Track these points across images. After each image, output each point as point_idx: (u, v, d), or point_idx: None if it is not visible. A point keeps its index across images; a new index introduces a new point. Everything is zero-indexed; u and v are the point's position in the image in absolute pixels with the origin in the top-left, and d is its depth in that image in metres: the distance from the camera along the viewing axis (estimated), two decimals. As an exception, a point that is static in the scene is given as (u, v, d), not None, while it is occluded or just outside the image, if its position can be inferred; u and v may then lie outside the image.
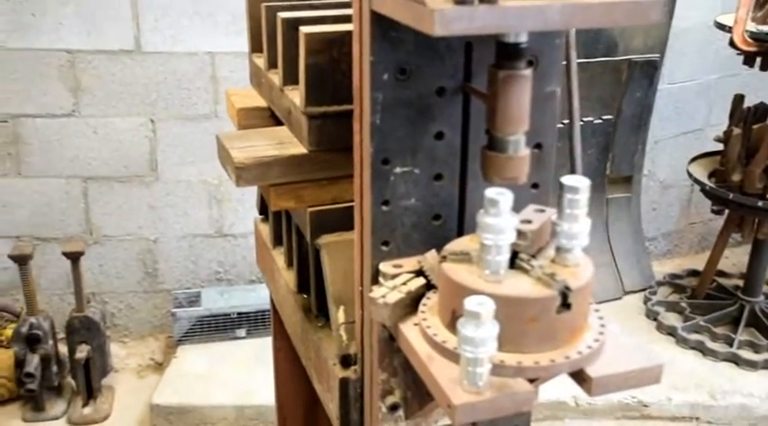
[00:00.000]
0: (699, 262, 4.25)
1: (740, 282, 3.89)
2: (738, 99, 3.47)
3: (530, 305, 0.97)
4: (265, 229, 1.82)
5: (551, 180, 1.24)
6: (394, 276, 1.14)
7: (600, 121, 3.73)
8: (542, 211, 1.09)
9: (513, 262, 1.02)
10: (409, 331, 1.08)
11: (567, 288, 0.98)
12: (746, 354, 3.41)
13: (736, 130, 3.29)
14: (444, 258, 1.06)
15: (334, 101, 1.27)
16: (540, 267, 1.01)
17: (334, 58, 1.24)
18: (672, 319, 3.67)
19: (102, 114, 3.13)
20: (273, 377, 2.14)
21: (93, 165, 3.21)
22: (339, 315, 1.35)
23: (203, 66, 3.09)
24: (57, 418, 3.13)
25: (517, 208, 1.07)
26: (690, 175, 3.53)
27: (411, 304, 1.11)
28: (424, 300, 1.11)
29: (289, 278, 1.62)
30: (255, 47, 1.61)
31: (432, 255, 1.15)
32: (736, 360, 3.38)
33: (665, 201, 4.26)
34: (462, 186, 1.19)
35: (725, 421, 3.16)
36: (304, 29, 1.24)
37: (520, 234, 1.01)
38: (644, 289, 3.92)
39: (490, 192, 0.96)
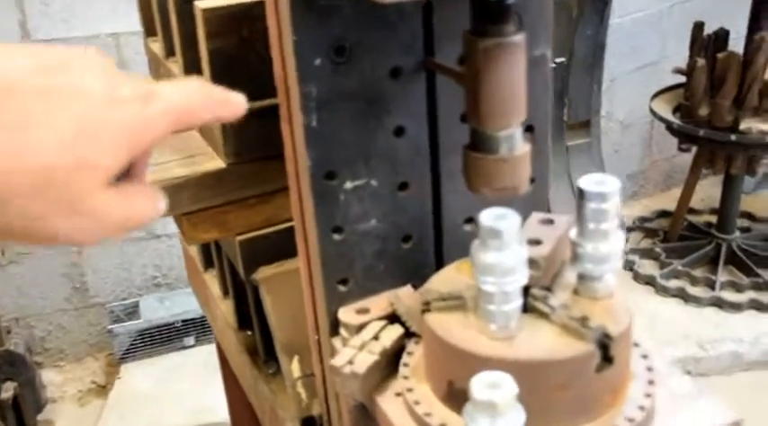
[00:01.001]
0: (666, 202, 4.06)
1: (712, 218, 3.70)
2: (698, 27, 3.23)
3: (559, 369, 0.69)
4: (191, 247, 1.51)
5: (549, 170, 0.96)
6: (360, 327, 0.85)
7: (553, 65, 3.45)
8: (550, 222, 0.80)
9: (524, 302, 0.73)
10: (390, 406, 0.79)
11: (607, 336, 0.70)
12: (729, 295, 3.24)
13: (700, 61, 3.05)
14: (427, 306, 0.76)
15: (254, 94, 0.95)
16: (562, 307, 0.73)
17: (246, 39, 0.93)
18: (648, 267, 3.47)
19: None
20: (227, 405, 1.84)
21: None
22: (293, 368, 1.05)
23: (107, 49, 2.71)
24: (-10, 466, 2.80)
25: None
26: (654, 114, 3.30)
27: (388, 365, 0.82)
28: (404, 356, 0.82)
29: (226, 310, 1.31)
30: (150, 29, 1.27)
31: (406, 293, 0.86)
32: (719, 304, 3.21)
33: (626, 142, 4.03)
34: (436, 193, 0.89)
35: (717, 371, 2.99)
36: (200, 3, 0.92)
37: (529, 261, 0.73)
38: (614, 238, 3.71)
39: (487, 217, 0.67)
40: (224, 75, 0.93)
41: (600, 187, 0.71)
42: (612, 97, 3.85)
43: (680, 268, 3.38)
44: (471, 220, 0.92)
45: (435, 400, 0.76)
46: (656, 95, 3.46)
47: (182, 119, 0.55)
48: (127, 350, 3.02)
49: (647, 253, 3.54)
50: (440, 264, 0.93)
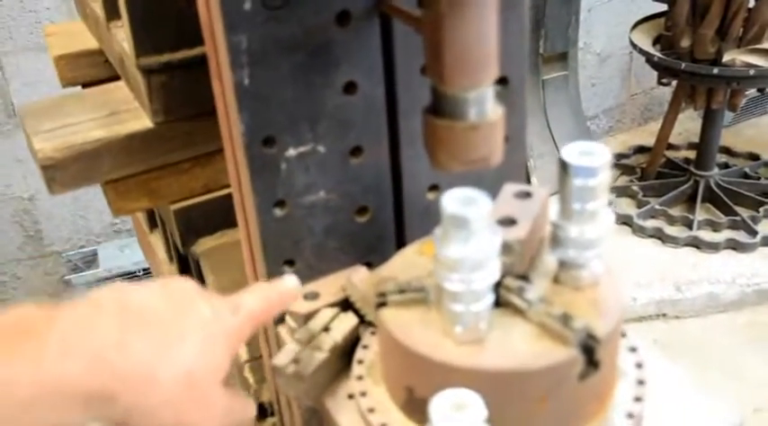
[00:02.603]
0: (643, 136, 3.95)
1: (690, 154, 3.60)
2: (680, -48, 3.05)
3: (537, 379, 0.58)
4: (137, 204, 1.38)
5: (524, 129, 0.83)
6: (308, 316, 0.74)
7: (528, -6, 3.28)
8: (527, 196, 0.69)
9: (495, 293, 0.62)
10: (341, 413, 0.68)
11: (593, 337, 0.59)
12: (707, 235, 3.16)
13: (683, -10, 2.89)
14: (383, 299, 0.65)
15: (183, 42, 0.82)
16: (540, 301, 0.61)
17: (168, -24, 0.78)
18: (625, 206, 3.38)
19: (-69, 54, 2.52)
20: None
21: (-66, 121, 2.62)
22: (240, 352, 0.94)
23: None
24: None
25: (477, 182, 0.68)
26: (634, 46, 3.15)
27: (339, 361, 0.71)
28: (359, 351, 0.71)
29: (172, 275, 1.19)
30: (70, -40, 1.11)
31: (361, 275, 0.74)
32: (697, 244, 3.13)
33: (604, 75, 3.89)
34: (395, 159, 0.77)
35: (692, 313, 2.93)
36: (112, -70, 0.77)
37: (502, 246, 0.61)
38: (591, 175, 3.60)
39: (450, 202, 0.55)
40: (145, 20, 0.79)
41: (587, 160, 0.59)
42: (590, 28, 3.69)
43: (657, 207, 3.29)
44: (436, 187, 0.80)
45: (393, 406, 0.65)
46: (635, 26, 3.31)
47: (260, 318, 0.66)
48: (86, 299, 2.88)
49: (623, 192, 3.45)
50: (401, 238, 0.81)
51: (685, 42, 2.97)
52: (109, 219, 2.94)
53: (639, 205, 3.34)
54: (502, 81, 0.78)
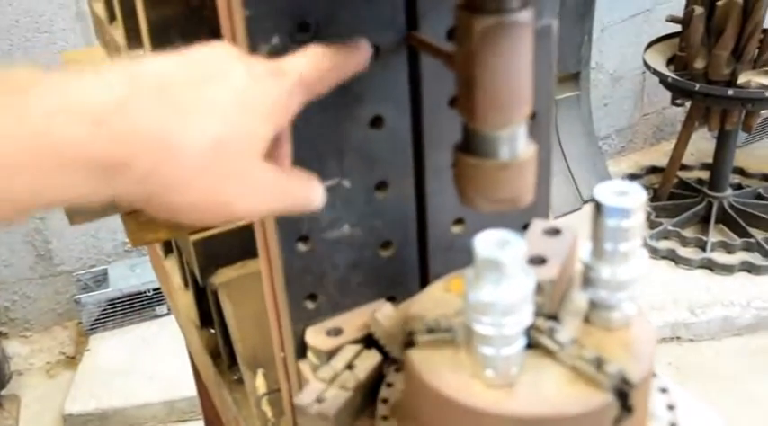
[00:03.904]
0: (656, 157, 3.94)
1: (703, 174, 3.59)
2: (694, -27, 3.05)
3: (570, 425, 0.57)
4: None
5: (550, 163, 0.82)
6: (330, 352, 0.72)
7: (541, 15, 3.27)
8: (556, 233, 0.68)
9: (526, 334, 0.60)
10: (366, 453, 0.67)
11: (627, 381, 0.58)
12: (720, 257, 3.14)
13: (698, 9, 2.88)
14: (411, 338, 0.63)
15: (205, 72, 0.80)
16: (572, 343, 0.60)
17: (195, 9, 0.77)
18: (638, 227, 3.36)
19: (-52, 72, 2.52)
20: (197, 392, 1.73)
21: (-51, 137, 2.61)
22: (258, 384, 0.93)
23: (63, 1, 2.51)
24: (-47, 441, 2.68)
25: (500, 216, 0.67)
26: (648, 66, 3.14)
27: (364, 399, 0.70)
28: (383, 389, 0.70)
29: (188, 303, 1.18)
30: (91, -14, 1.11)
31: (385, 313, 0.73)
32: (710, 266, 3.11)
33: (616, 95, 3.88)
34: (420, 193, 0.76)
35: (707, 337, 2.91)
36: (136, -38, 0.76)
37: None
38: (603, 195, 3.59)
39: (484, 245, 0.53)
40: (168, 49, 0.78)
41: (621, 201, 0.58)
42: (603, 47, 3.69)
43: (670, 228, 3.27)
44: (461, 221, 0.79)
45: (420, 449, 0.64)
46: (649, 46, 3.30)
47: (314, 86, 0.58)
48: (96, 320, 2.87)
49: (636, 212, 3.43)
50: (424, 272, 0.80)
51: (700, 63, 2.96)
52: (120, 239, 2.94)
53: (652, 226, 3.32)
54: (530, 115, 0.77)
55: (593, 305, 0.63)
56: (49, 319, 3.00)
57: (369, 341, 0.73)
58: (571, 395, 0.57)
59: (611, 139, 3.99)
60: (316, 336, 0.74)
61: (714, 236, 3.22)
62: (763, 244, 3.14)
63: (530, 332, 0.61)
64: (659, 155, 3.90)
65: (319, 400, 0.68)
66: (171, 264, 1.26)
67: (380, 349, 0.73)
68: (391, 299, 0.78)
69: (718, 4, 2.85)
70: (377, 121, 0.70)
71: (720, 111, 3.04)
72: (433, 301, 0.67)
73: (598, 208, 0.58)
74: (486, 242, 0.54)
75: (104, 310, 2.85)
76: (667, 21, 3.27)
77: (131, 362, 2.76)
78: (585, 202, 3.60)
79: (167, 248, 1.28)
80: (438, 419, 0.60)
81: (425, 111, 0.72)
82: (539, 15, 0.72)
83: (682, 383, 2.64)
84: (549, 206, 0.84)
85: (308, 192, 0.60)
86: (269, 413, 0.92)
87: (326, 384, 0.69)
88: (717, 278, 3.08)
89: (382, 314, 0.72)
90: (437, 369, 0.60)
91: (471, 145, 0.60)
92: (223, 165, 0.51)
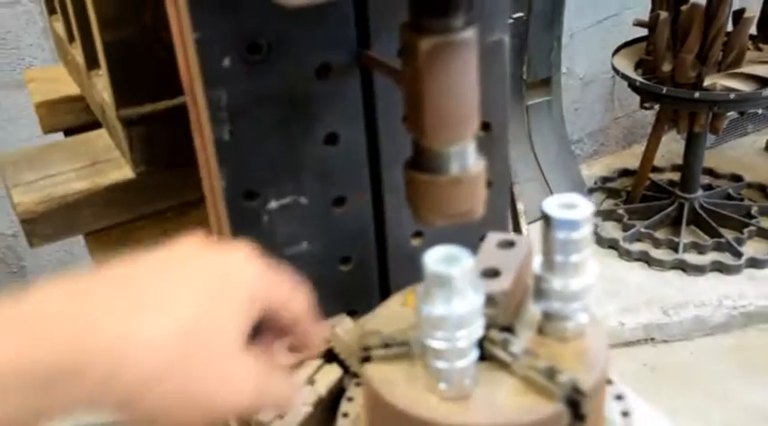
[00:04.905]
0: (628, 159, 3.97)
1: (674, 176, 3.62)
2: (659, -22, 3.09)
3: (523, 435, 0.58)
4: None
5: (508, 174, 0.83)
6: (291, 369, 0.73)
7: (511, 21, 3.30)
8: (510, 245, 0.68)
9: (479, 346, 0.61)
10: (327, 467, 0.68)
11: (578, 390, 0.59)
12: (693, 258, 3.17)
13: (663, 14, 2.91)
14: (367, 353, 0.64)
15: (164, 93, 0.81)
16: (525, 354, 0.61)
17: (150, 27, 0.78)
18: (610, 230, 3.38)
19: None
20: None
21: None
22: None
23: (30, 17, 2.49)
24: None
25: (460, 229, 0.68)
26: (616, 71, 3.17)
27: (324, 414, 0.71)
28: (344, 404, 0.70)
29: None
30: (51, 5, 1.11)
31: (345, 327, 0.73)
32: (683, 267, 3.14)
33: (587, 99, 3.91)
34: (378, 208, 0.77)
35: (680, 337, 2.93)
36: (91, -18, 0.77)
37: (485, 299, 0.61)
38: (576, 199, 3.61)
39: (433, 261, 0.54)
40: (125, 71, 0.79)
41: (570, 213, 0.59)
42: (573, 53, 3.72)
43: (643, 230, 3.30)
44: (420, 234, 0.80)
45: (379, 462, 0.64)
46: (617, 50, 3.34)
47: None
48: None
49: (609, 215, 3.46)
50: (385, 286, 0.81)
51: (666, 67, 3.00)
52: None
53: (625, 228, 3.35)
54: (484, 127, 0.78)
55: (547, 316, 0.64)
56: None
57: (329, 357, 0.74)
58: (523, 406, 0.58)
59: (583, 143, 4.02)
60: (277, 352, 0.74)
61: (686, 238, 3.25)
62: (734, 243, 3.17)
63: (484, 344, 0.62)
64: (631, 157, 3.93)
65: (280, 416, 0.68)
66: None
67: (341, 363, 0.73)
68: (352, 313, 0.78)
69: (683, 8, 2.88)
70: (332, 138, 0.70)
71: (688, 114, 3.08)
72: (390, 316, 0.68)
73: (547, 221, 0.60)
74: (436, 258, 0.54)
75: (78, 326, 2.81)
76: (634, 25, 3.30)
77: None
78: (559, 206, 3.62)
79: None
80: (396, 432, 0.61)
81: (381, 128, 0.73)
82: (490, 31, 0.74)
83: (657, 384, 2.64)
84: (508, 216, 0.85)
85: (289, 392, 0.57)
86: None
87: (287, 400, 0.69)
88: (689, 278, 3.11)
89: (342, 328, 0.73)
90: (392, 383, 0.61)
91: (422, 161, 0.61)
92: (197, 358, 0.47)
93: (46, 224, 0.79)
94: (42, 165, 0.84)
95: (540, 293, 0.63)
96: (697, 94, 2.89)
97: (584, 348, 0.63)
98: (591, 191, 3.68)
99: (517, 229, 2.96)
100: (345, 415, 0.69)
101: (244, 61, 0.63)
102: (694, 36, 2.88)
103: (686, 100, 2.94)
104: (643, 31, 3.25)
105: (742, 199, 3.52)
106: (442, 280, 0.54)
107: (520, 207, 2.95)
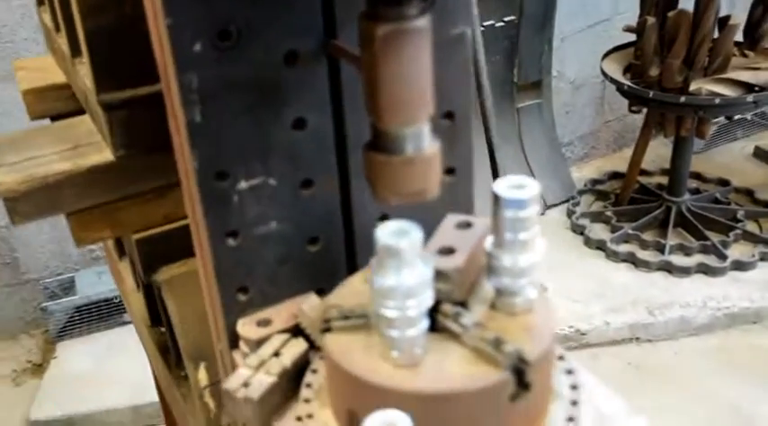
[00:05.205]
0: (618, 162, 4.02)
1: (663, 179, 3.67)
2: (648, -17, 3.14)
3: (469, 401, 0.61)
4: (107, 232, 1.40)
5: (471, 160, 0.87)
6: (259, 341, 0.77)
7: (502, 24, 3.35)
8: (468, 226, 0.72)
9: (433, 318, 0.65)
10: (290, 434, 0.71)
11: (523, 360, 0.62)
12: (678, 260, 3.21)
13: (650, 20, 2.97)
14: (328, 325, 0.68)
15: (143, 79, 0.85)
16: (475, 326, 0.65)
17: (129, 16, 0.81)
18: (599, 231, 3.43)
19: None
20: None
21: None
22: (200, 376, 0.97)
23: (26, 11, 2.53)
24: None
25: (424, 210, 0.71)
26: (605, 75, 3.22)
27: (289, 385, 0.74)
28: (308, 376, 0.74)
29: (140, 303, 1.22)
30: (40, -4, 1.15)
31: (311, 305, 0.77)
32: (668, 268, 3.18)
33: (578, 102, 3.96)
34: (345, 190, 0.80)
35: (665, 337, 2.98)
36: (73, -27, 0.80)
37: (440, 274, 0.65)
38: (566, 201, 3.66)
39: (384, 234, 0.58)
40: (106, 58, 0.82)
41: (517, 192, 0.62)
42: (563, 57, 3.77)
43: (630, 232, 3.35)
44: (386, 217, 0.84)
45: (337, 428, 0.68)
46: (606, 55, 3.38)
47: None
48: (63, 327, 2.89)
49: (597, 217, 3.51)
50: (352, 266, 0.84)
51: (654, 71, 3.04)
52: (87, 246, 2.95)
53: (613, 230, 3.40)
54: (448, 115, 0.82)
55: (498, 292, 0.67)
56: (16, 327, 3.01)
57: (297, 331, 0.77)
58: (471, 373, 0.62)
59: (573, 146, 4.07)
60: (246, 327, 0.78)
61: (672, 239, 3.30)
62: (719, 246, 3.22)
63: (437, 317, 0.66)
64: (621, 161, 3.98)
65: (245, 385, 0.72)
66: (124, 267, 1.30)
67: (307, 338, 0.77)
68: (320, 292, 0.82)
69: (670, 14, 2.93)
70: (299, 123, 0.74)
71: (675, 118, 3.13)
72: (351, 291, 0.72)
73: (497, 200, 0.63)
74: (387, 231, 0.58)
75: (72, 317, 2.87)
76: (624, 30, 3.35)
77: (98, 369, 2.78)
78: (549, 207, 3.67)
79: (121, 251, 1.31)
80: (350, 398, 0.64)
81: (347, 114, 0.76)
82: (453, 24, 0.77)
83: (641, 382, 2.69)
84: (473, 201, 0.88)
85: None
86: (211, 405, 0.96)
87: (253, 370, 0.73)
88: (674, 279, 3.15)
89: (308, 305, 0.77)
90: (350, 352, 0.64)
91: (379, 143, 0.64)
92: None
93: (28, 202, 0.83)
94: (26, 148, 0.88)
95: (492, 270, 0.66)
96: (683, 99, 2.94)
97: (531, 322, 0.66)
98: (581, 193, 3.72)
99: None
100: (309, 386, 0.72)
101: (214, 47, 0.67)
102: (681, 41, 2.93)
103: (672, 104, 2.99)
104: (633, 37, 3.30)
105: (729, 203, 3.56)
106: (392, 252, 0.58)
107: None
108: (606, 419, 0.71)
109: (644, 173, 3.74)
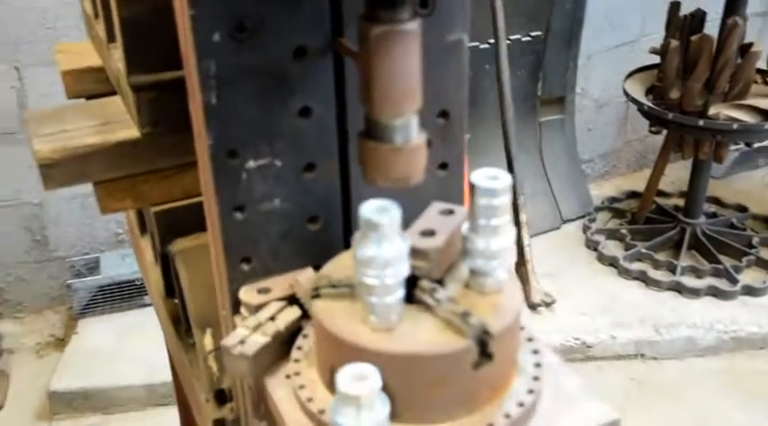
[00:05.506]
0: (638, 182, 4.06)
1: (680, 202, 3.71)
2: (674, 7, 3.19)
3: (434, 363, 0.69)
4: (131, 211, 1.49)
5: (463, 157, 0.95)
6: (258, 307, 0.85)
7: (528, 39, 3.42)
8: (450, 213, 0.80)
9: (411, 293, 0.73)
10: (278, 389, 0.79)
11: (486, 332, 0.69)
12: (689, 281, 3.25)
13: (674, 43, 3.02)
14: (317, 292, 0.76)
15: (170, 65, 0.93)
16: (448, 301, 0.72)
17: (160, 8, 0.90)
18: (612, 248, 3.48)
19: (-45, 62, 2.68)
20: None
21: (-46, 124, 2.77)
22: (206, 341, 1.05)
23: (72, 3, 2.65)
24: (-57, 412, 2.80)
25: (417, 199, 0.79)
26: (626, 95, 3.28)
27: (282, 347, 0.82)
28: (299, 339, 0.82)
29: (156, 277, 1.30)
30: (83, -13, 1.24)
31: (306, 277, 0.85)
32: (679, 289, 3.22)
33: (600, 120, 4.01)
34: (344, 175, 0.88)
35: (670, 355, 3.01)
36: (113, -33, 0.89)
37: (419, 253, 0.72)
38: (583, 216, 3.71)
39: (367, 210, 0.66)
40: (137, 44, 0.91)
41: (491, 183, 0.70)
42: (588, 74, 3.82)
43: (643, 251, 3.39)
44: (382, 204, 0.91)
45: (321, 385, 0.76)
46: (630, 75, 3.44)
47: None
48: (86, 305, 3.00)
49: (612, 234, 3.55)
50: (348, 246, 0.92)
51: (675, 94, 3.09)
52: (113, 229, 3.07)
53: (627, 248, 3.44)
54: (443, 115, 0.89)
55: (472, 272, 0.75)
56: (42, 302, 3.13)
57: (293, 301, 0.85)
58: (438, 340, 0.69)
59: (594, 163, 4.12)
60: (247, 293, 0.86)
61: (685, 261, 3.33)
62: (731, 270, 3.25)
63: (415, 291, 0.73)
64: (641, 181, 4.02)
65: (242, 342, 0.80)
66: (145, 243, 1.39)
67: (302, 307, 0.85)
68: (318, 268, 0.90)
69: (693, 38, 2.98)
70: (305, 112, 0.82)
71: (693, 141, 3.17)
72: (342, 265, 0.79)
73: (473, 189, 0.71)
74: (370, 208, 0.66)
75: (95, 296, 2.98)
76: (650, 52, 3.40)
77: (117, 347, 2.89)
78: (565, 222, 3.72)
79: (143, 228, 1.40)
80: (332, 356, 0.72)
81: (349, 105, 0.84)
82: (450, 31, 0.85)
83: (643, 398, 2.74)
84: (463, 195, 0.96)
85: None
86: (214, 368, 1.04)
87: (250, 330, 0.81)
88: (684, 300, 3.19)
89: (304, 277, 0.85)
90: (334, 316, 0.72)
91: (371, 131, 0.72)
92: None
93: (60, 170, 0.92)
94: (61, 122, 0.97)
95: (467, 252, 0.74)
96: (701, 122, 2.98)
97: (499, 301, 0.74)
98: (597, 210, 3.77)
99: (519, 238, 3.06)
100: (299, 348, 0.80)
101: (231, 38, 0.75)
102: (703, 65, 2.98)
103: (691, 126, 3.03)
104: (659, 59, 3.35)
105: (744, 229, 3.59)
106: (373, 226, 0.65)
107: (522, 217, 3.05)
108: (566, 394, 0.78)
109: (663, 194, 3.78)
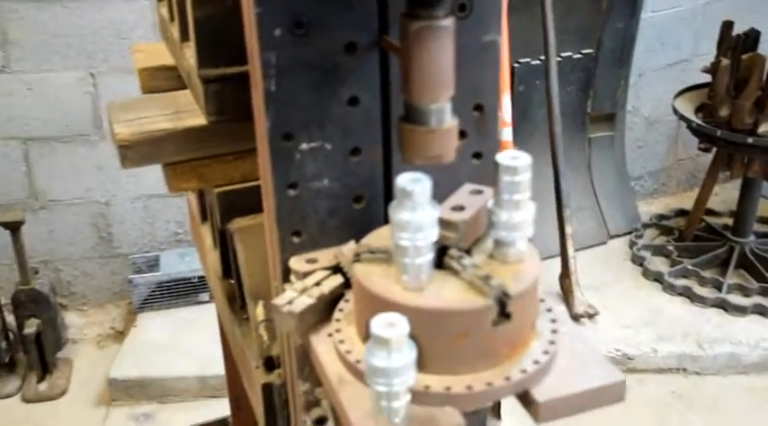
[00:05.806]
0: (687, 201, 4.07)
1: (730, 221, 3.71)
2: (727, 26, 3.23)
3: (457, 318, 0.78)
4: (194, 201, 1.62)
5: (496, 148, 1.04)
6: (306, 274, 0.95)
7: (579, 56, 3.49)
8: (479, 192, 0.89)
9: (442, 260, 0.82)
10: (321, 345, 0.89)
11: (506, 294, 0.78)
12: (735, 299, 3.25)
13: (725, 61, 3.05)
14: (358, 256, 0.86)
15: (235, 60, 1.05)
16: (473, 266, 0.81)
17: (229, 8, 1.02)
18: (658, 264, 3.50)
19: (36, 69, 2.87)
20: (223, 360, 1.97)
21: (31, 126, 2.96)
22: (258, 312, 1.16)
23: (143, 12, 2.83)
24: (11, 395, 2.97)
25: (454, 185, 0.88)
26: (675, 111, 3.32)
27: (325, 309, 0.92)
28: (341, 303, 0.92)
29: (214, 259, 1.42)
30: (160, -6, 1.37)
31: (350, 248, 0.95)
32: (724, 306, 3.23)
33: (651, 138, 4.04)
34: (387, 160, 0.98)
35: (713, 371, 3.02)
36: (190, -27, 1.01)
37: (449, 224, 0.82)
38: (629, 233, 3.75)
39: (402, 180, 0.75)
40: (209, 41, 1.03)
41: (513, 161, 0.79)
42: (640, 92, 3.86)
43: (690, 267, 3.40)
44: (420, 188, 1.01)
45: (358, 340, 0.85)
46: (680, 93, 3.47)
47: None
48: (145, 300, 3.17)
49: (658, 250, 3.57)
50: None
51: (724, 112, 3.12)
52: (173, 229, 3.23)
53: (673, 264, 3.46)
54: (478, 108, 0.99)
55: (496, 243, 0.84)
56: (104, 296, 3.31)
57: (337, 270, 0.95)
58: (462, 298, 0.78)
59: (644, 180, 4.14)
60: (297, 262, 0.96)
61: (731, 279, 3.34)
62: (779, 290, 3.24)
63: (444, 259, 0.82)
64: (691, 200, 4.02)
65: (290, 302, 0.90)
66: (205, 230, 1.51)
67: (345, 275, 0.95)
68: (360, 243, 1.00)
69: (744, 56, 3.01)
70: (353, 101, 0.92)
71: (742, 159, 3.19)
72: (381, 236, 0.89)
73: (497, 167, 0.80)
74: (405, 178, 0.76)
75: (153, 292, 3.14)
76: (702, 71, 3.43)
77: (173, 340, 3.04)
78: (612, 237, 3.76)
79: (204, 216, 1.53)
80: (368, 312, 0.82)
81: (393, 96, 0.94)
82: (485, 32, 0.95)
83: (683, 412, 2.77)
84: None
85: None
86: (264, 337, 1.14)
87: (298, 293, 0.91)
88: (729, 317, 3.19)
89: (347, 248, 0.95)
90: (371, 277, 0.82)
91: (410, 115, 0.82)
92: None
93: (135, 151, 1.04)
94: (138, 110, 1.09)
95: (492, 224, 0.83)
96: (750, 140, 3.01)
97: (519, 269, 0.82)
98: (645, 227, 3.79)
99: (564, 250, 3.12)
100: (341, 310, 0.90)
101: (290, 33, 0.86)
102: (753, 84, 3.01)
103: (740, 144, 3.06)
104: (709, 78, 3.38)
105: (794, 249, 3.57)
106: (407, 194, 0.75)
107: (568, 230, 3.11)
108: (579, 357, 0.86)
109: (712, 213, 3.79)
